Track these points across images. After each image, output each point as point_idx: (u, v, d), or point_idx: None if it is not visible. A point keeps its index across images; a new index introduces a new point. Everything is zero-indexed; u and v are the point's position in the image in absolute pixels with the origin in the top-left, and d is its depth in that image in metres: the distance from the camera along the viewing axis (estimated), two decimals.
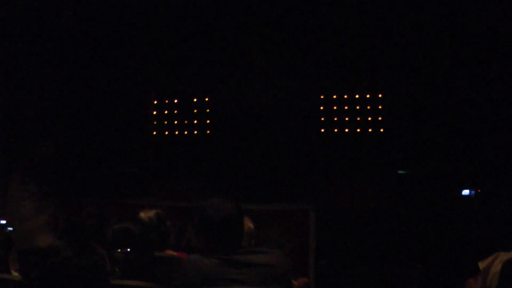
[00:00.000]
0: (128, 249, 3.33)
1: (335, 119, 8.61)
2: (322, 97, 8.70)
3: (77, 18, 8.88)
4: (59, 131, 9.10)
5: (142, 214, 4.17)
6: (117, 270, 2.11)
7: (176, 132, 9.14)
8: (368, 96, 8.57)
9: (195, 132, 9.07)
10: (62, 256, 1.94)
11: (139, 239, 3.35)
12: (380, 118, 8.50)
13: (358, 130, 8.55)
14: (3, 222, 5.49)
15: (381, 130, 8.49)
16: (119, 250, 3.31)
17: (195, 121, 9.08)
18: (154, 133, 9.24)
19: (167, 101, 9.24)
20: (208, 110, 9.05)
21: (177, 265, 3.63)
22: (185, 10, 8.69)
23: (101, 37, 8.96)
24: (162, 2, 8.70)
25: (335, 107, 8.64)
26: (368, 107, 8.55)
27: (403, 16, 8.05)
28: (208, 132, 9.02)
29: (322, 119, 8.66)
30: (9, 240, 3.94)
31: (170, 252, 4.21)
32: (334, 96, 8.67)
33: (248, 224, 3.90)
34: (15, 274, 3.70)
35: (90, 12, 8.81)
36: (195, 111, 9.09)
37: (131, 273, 3.25)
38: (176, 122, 9.16)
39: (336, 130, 8.59)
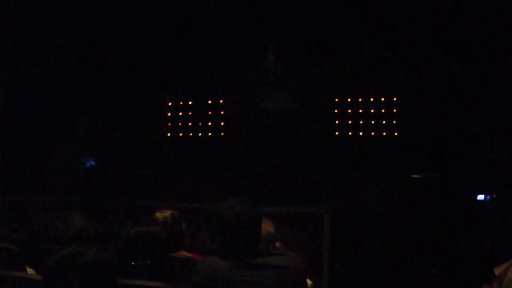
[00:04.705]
0: (143, 262, 3.26)
1: (350, 122, 8.60)
2: (336, 100, 8.69)
3: (94, 23, 8.94)
4: (73, 132, 9.15)
5: (158, 214, 4.17)
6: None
7: (190, 134, 9.16)
8: (382, 99, 8.54)
9: (209, 133, 9.08)
10: (84, 259, 1.95)
11: (161, 244, 3.30)
12: (394, 122, 8.47)
13: (373, 133, 8.52)
14: None
15: (396, 133, 8.46)
16: (133, 263, 3.24)
17: (209, 123, 9.10)
18: (168, 134, 9.27)
19: (181, 103, 9.27)
20: (222, 112, 9.07)
21: (191, 266, 3.62)
22: (200, 13, 8.71)
23: (116, 40, 9.01)
24: (177, 6, 8.72)
25: (349, 110, 8.63)
26: (383, 111, 8.53)
27: (419, 21, 8.02)
28: (222, 134, 9.03)
29: (337, 122, 8.64)
30: (31, 239, 3.94)
31: (184, 253, 4.20)
32: (349, 99, 8.65)
33: (268, 228, 3.83)
34: (31, 271, 3.72)
35: (106, 16, 8.86)
36: (209, 112, 9.11)
37: (146, 273, 3.23)
38: (190, 123, 9.18)
39: (350, 134, 8.57)
